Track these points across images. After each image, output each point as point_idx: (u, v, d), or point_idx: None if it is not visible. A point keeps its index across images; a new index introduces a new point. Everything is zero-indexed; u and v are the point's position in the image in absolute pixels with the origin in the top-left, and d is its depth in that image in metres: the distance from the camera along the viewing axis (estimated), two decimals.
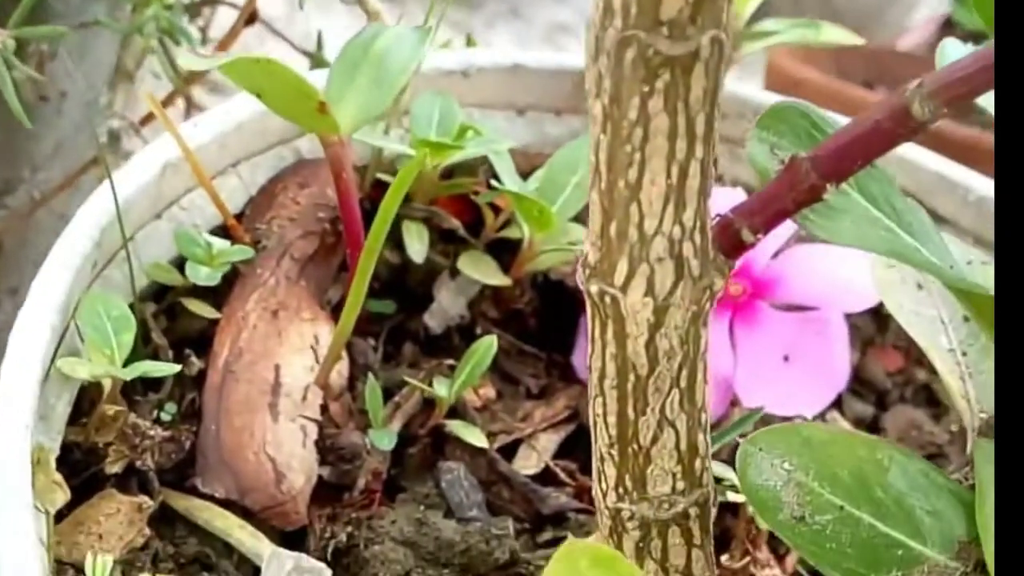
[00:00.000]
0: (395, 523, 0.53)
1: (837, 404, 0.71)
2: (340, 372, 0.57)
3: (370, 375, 0.56)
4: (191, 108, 0.86)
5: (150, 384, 0.54)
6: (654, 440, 0.37)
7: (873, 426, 0.71)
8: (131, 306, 0.52)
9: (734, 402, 0.63)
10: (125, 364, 0.49)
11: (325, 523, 0.53)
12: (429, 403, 0.59)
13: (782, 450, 0.40)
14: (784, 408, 0.62)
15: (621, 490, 0.39)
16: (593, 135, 0.34)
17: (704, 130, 0.33)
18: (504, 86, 0.69)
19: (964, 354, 0.46)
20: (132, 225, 0.54)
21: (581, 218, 0.68)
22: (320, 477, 0.53)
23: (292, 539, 0.52)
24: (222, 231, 0.59)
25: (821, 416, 0.71)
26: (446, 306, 0.64)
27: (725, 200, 0.65)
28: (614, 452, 0.38)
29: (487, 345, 0.57)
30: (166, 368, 0.48)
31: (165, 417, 0.52)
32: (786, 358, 0.62)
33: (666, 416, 0.37)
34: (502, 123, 0.70)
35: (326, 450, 0.54)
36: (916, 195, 0.73)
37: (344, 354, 0.58)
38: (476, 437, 0.57)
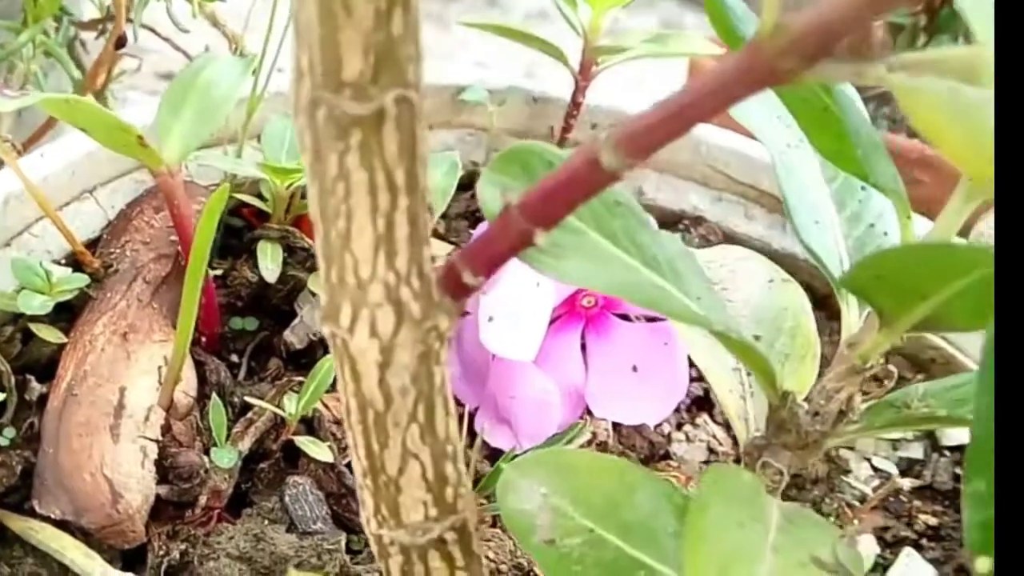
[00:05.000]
0: (232, 539, 0.55)
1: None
2: (186, 392, 0.59)
3: (214, 395, 0.58)
4: None
5: None
6: (401, 471, 0.39)
7: None
8: None
9: (590, 411, 0.65)
10: None
11: (164, 540, 0.55)
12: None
13: (541, 475, 0.41)
14: (631, 417, 0.64)
15: (379, 517, 0.40)
16: (308, 187, 0.35)
17: (406, 182, 0.34)
18: None
19: (749, 374, 0.47)
20: None
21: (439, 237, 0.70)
22: (160, 496, 0.55)
23: (132, 556, 0.54)
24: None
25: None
26: (308, 322, 0.65)
27: None
28: (368, 482, 0.40)
29: (331, 363, 0.59)
30: None
31: (3, 442, 0.54)
32: (635, 368, 0.64)
33: (408, 449, 0.38)
34: None
35: (167, 469, 0.56)
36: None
37: (193, 373, 0.59)
38: (322, 452, 0.59)
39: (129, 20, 0.78)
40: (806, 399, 0.44)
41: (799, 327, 0.49)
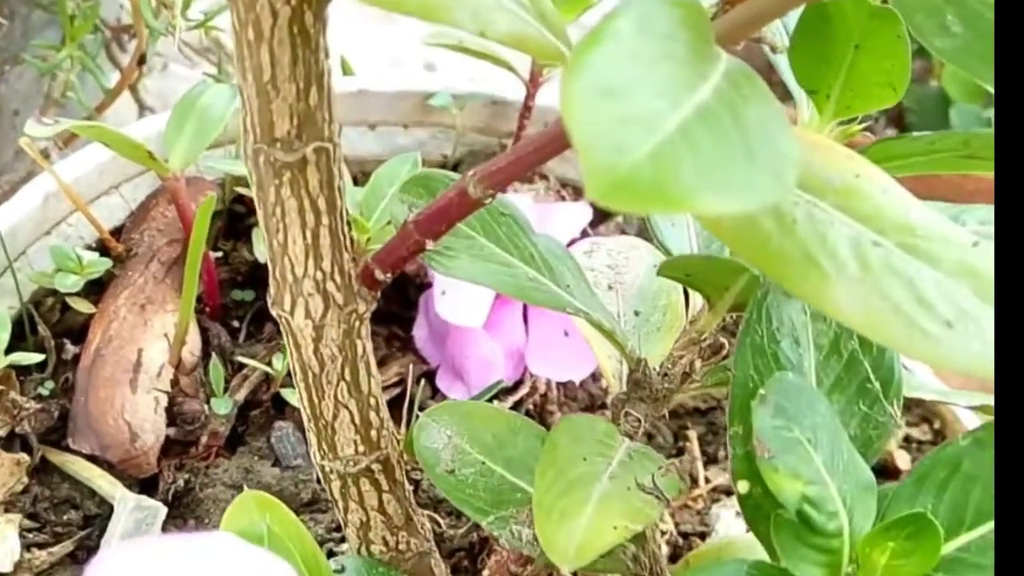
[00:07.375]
0: (227, 471, 0.68)
1: None
2: (192, 352, 0.72)
3: (213, 355, 0.71)
4: (143, 109, 1.02)
5: (39, 365, 0.69)
6: (335, 417, 0.52)
7: None
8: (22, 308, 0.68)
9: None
10: (7, 353, 0.64)
11: (172, 472, 0.68)
12: None
13: (447, 421, 0.54)
14: (562, 375, 0.77)
15: (321, 451, 0.53)
16: (256, 209, 0.48)
17: (327, 207, 0.46)
18: (354, 107, 0.83)
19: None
20: (23, 243, 0.70)
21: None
22: (169, 436, 0.69)
23: (148, 484, 0.68)
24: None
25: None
26: None
27: (570, 213, 0.80)
28: (311, 425, 0.53)
29: None
30: (33, 358, 0.64)
31: (44, 392, 0.67)
32: (566, 333, 0.76)
33: (339, 401, 0.51)
34: (354, 137, 0.84)
35: (175, 415, 0.69)
36: None
37: (198, 337, 0.73)
38: None
39: (147, 28, 0.90)
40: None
41: (670, 304, 0.61)
